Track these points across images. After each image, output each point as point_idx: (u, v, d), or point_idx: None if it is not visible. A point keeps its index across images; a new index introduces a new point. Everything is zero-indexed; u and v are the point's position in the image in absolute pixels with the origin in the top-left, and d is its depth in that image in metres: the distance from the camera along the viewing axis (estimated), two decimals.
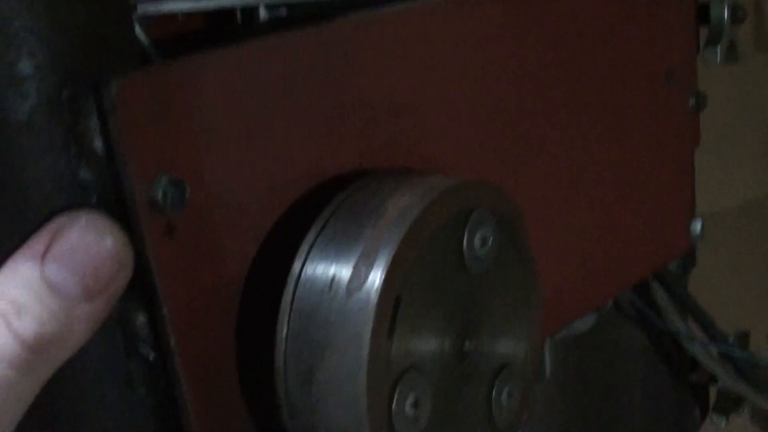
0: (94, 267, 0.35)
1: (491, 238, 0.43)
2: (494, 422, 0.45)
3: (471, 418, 0.44)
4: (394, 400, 0.39)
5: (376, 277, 0.38)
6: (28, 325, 0.34)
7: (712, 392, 0.88)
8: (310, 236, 0.41)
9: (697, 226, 0.68)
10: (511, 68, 0.54)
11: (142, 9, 0.45)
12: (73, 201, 0.37)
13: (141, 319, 0.40)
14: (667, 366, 0.86)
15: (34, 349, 0.34)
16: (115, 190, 0.37)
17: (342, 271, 0.39)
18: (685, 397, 0.88)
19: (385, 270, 0.38)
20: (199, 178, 0.39)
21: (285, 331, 0.40)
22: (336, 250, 0.40)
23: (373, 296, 0.38)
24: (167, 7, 0.46)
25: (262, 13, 0.50)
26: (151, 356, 0.40)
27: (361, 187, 0.42)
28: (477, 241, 0.42)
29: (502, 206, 0.44)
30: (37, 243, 0.35)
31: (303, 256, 0.40)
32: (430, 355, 0.41)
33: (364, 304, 0.38)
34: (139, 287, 0.39)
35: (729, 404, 0.84)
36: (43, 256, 0.35)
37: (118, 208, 0.37)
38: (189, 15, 0.48)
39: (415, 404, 0.40)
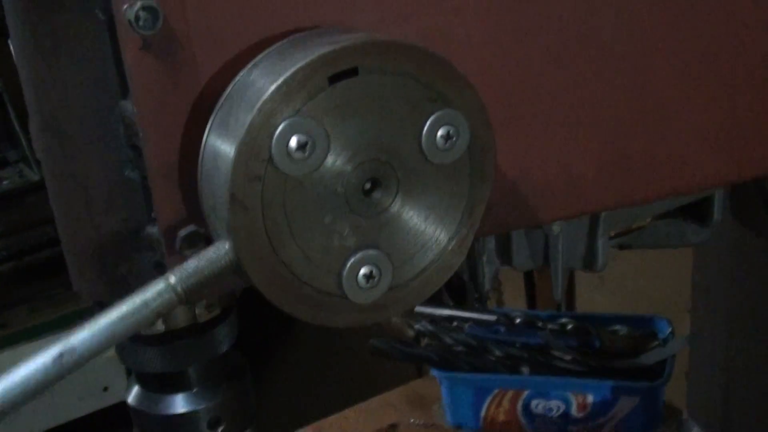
0: None
1: (455, 139, 0.49)
2: (342, 289, 0.50)
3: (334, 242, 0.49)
4: (277, 132, 0.46)
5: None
6: None
7: None
8: (258, 57, 0.49)
9: None
10: None
11: None
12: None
13: (133, 110, 0.51)
14: None
15: None
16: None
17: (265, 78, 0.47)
18: None
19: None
20: (180, 7, 0.49)
21: (215, 115, 0.49)
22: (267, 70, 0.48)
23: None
24: None
25: None
26: (143, 146, 0.52)
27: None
28: (439, 134, 0.49)
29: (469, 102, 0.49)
30: None
31: (248, 68, 0.49)
32: (330, 165, 0.48)
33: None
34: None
35: None
36: None
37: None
38: None
39: (303, 147, 0.46)
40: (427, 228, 0.51)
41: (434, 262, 0.51)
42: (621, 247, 0.76)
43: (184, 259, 0.52)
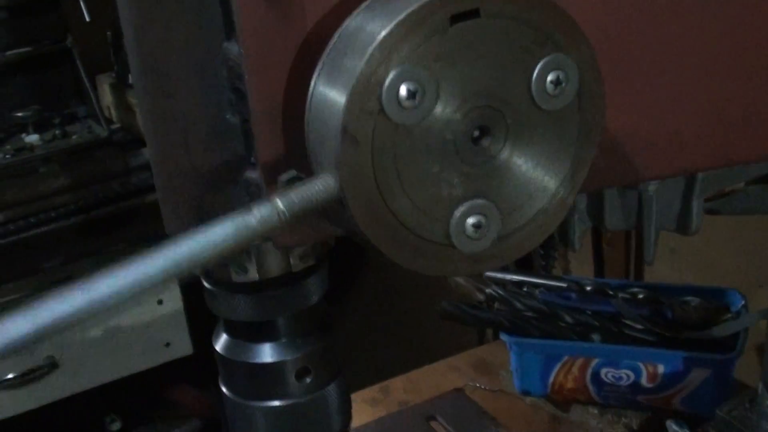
0: None
1: (564, 84, 0.48)
2: (450, 239, 0.49)
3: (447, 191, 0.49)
4: (387, 81, 0.45)
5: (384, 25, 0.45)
6: None
7: None
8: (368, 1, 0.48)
9: None
10: None
11: None
12: None
13: (239, 51, 0.51)
14: None
15: None
16: None
17: (374, 23, 0.47)
18: None
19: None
20: None
21: (323, 60, 0.49)
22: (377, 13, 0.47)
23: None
24: None
25: None
26: (247, 89, 0.51)
27: None
28: (549, 79, 0.48)
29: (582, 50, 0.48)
30: None
31: (358, 11, 0.48)
32: (439, 113, 0.47)
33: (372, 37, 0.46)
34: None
35: None
36: None
37: None
38: None
39: (413, 95, 0.46)
40: (534, 177, 0.50)
41: (540, 212, 0.50)
42: (710, 212, 0.74)
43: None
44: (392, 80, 0.45)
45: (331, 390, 0.64)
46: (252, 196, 0.55)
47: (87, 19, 1.92)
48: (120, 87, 2.02)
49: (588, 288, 1.26)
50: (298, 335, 0.62)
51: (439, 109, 0.47)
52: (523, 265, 1.73)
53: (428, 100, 0.46)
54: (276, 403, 0.63)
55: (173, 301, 1.91)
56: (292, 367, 0.62)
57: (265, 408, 0.63)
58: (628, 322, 1.21)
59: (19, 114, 1.89)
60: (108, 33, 1.96)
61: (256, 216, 0.45)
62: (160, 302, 1.90)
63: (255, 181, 0.54)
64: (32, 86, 1.93)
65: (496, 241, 0.50)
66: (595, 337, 1.21)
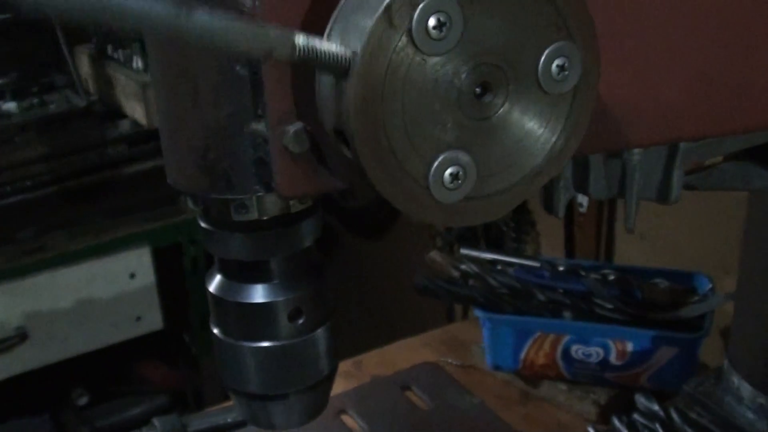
0: None
1: (567, 72, 0.51)
2: (427, 181, 0.51)
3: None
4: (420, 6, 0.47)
5: None
6: None
7: None
8: None
9: None
10: None
11: None
12: None
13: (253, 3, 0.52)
14: None
15: None
16: None
17: None
18: None
19: None
20: None
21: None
22: None
23: None
24: None
25: None
26: None
27: None
28: (556, 63, 0.51)
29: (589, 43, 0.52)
30: None
31: None
32: (454, 56, 0.49)
33: None
34: None
35: None
36: None
37: None
38: None
39: (441, 26, 0.48)
40: (517, 151, 0.52)
41: (515, 185, 0.53)
42: (687, 187, 0.77)
43: (289, 154, 0.54)
44: (426, 5, 0.47)
45: (321, 333, 0.66)
46: (257, 148, 0.56)
47: None
48: (99, 59, 2.02)
49: (560, 268, 1.29)
50: (291, 277, 0.64)
51: (457, 51, 0.49)
52: (495, 246, 1.76)
53: (452, 37, 0.48)
54: (266, 343, 0.64)
55: (145, 275, 1.92)
56: (284, 308, 0.64)
57: (255, 349, 0.65)
58: (598, 301, 1.24)
59: None
60: None
61: (274, 35, 0.46)
62: (132, 276, 1.91)
63: (261, 133, 0.56)
64: (11, 54, 1.93)
65: (465, 199, 0.52)
66: (567, 314, 1.24)
